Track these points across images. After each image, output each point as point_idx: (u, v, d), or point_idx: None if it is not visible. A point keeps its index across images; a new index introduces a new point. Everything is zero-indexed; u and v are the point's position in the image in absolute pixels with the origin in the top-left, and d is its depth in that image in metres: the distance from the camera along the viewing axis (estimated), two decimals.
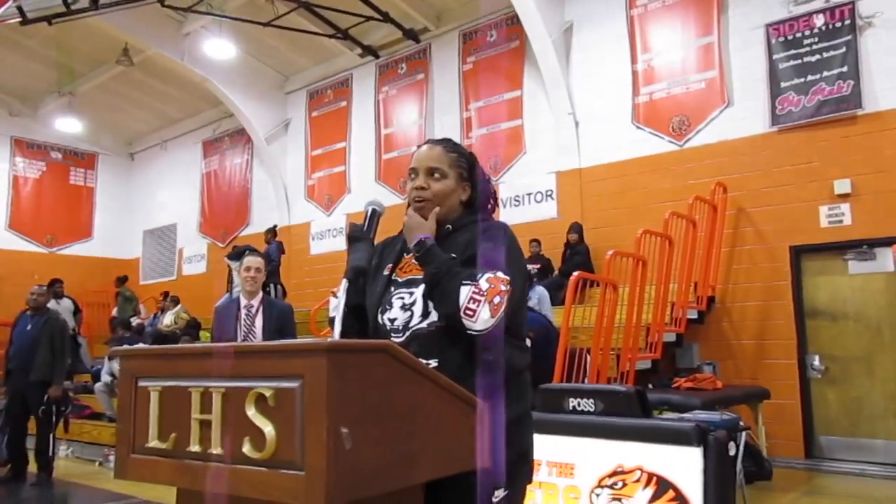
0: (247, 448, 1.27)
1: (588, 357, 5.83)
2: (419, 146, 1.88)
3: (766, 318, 7.29)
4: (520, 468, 1.73)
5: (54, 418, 6.65)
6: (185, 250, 14.64)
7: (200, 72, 11.77)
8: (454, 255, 1.72)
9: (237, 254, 8.72)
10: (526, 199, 9.36)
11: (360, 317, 1.86)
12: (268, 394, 1.26)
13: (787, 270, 7.20)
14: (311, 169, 12.41)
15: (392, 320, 1.75)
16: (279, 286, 10.54)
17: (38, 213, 14.74)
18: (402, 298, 1.75)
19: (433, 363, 1.63)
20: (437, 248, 1.72)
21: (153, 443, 1.42)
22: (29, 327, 6.60)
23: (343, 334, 1.86)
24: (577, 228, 8.38)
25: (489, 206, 1.92)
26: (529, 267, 8.41)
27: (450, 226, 1.82)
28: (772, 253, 7.32)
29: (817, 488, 6.10)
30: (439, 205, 1.80)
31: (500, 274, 1.65)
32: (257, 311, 4.33)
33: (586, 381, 5.64)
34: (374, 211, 1.80)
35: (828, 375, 6.94)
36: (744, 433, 3.90)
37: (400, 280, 1.78)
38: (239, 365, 1.32)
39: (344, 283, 1.72)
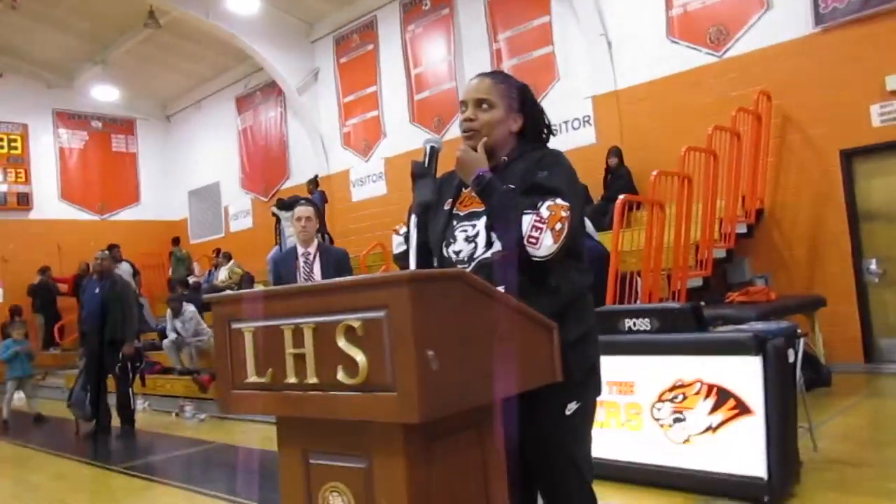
0: (341, 376, 1.38)
1: (638, 279, 5.86)
2: (471, 80, 1.91)
3: (819, 226, 7.18)
4: (589, 382, 1.82)
5: (130, 374, 7.04)
6: (231, 207, 14.95)
7: (226, 27, 11.78)
8: (512, 186, 1.77)
9: (287, 204, 8.92)
10: (563, 128, 9.23)
11: (422, 253, 1.93)
12: (356, 325, 1.35)
13: (838, 175, 7.04)
14: (344, 116, 12.43)
15: (457, 252, 1.82)
16: (326, 235, 10.73)
17: (86, 182, 15.19)
18: (465, 231, 1.82)
19: (500, 290, 1.70)
20: (496, 180, 1.76)
21: (252, 378, 1.54)
22: (97, 290, 6.93)
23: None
24: (616, 152, 8.28)
25: (543, 136, 1.95)
26: None
27: (505, 157, 1.86)
28: (821, 159, 7.15)
29: (878, 390, 6.11)
30: (487, 135, 1.84)
31: (559, 201, 1.69)
32: (314, 257, 4.50)
33: (638, 302, 5.70)
34: (432, 148, 1.85)
35: (885, 278, 6.84)
36: (801, 340, 3.92)
37: (461, 214, 1.85)
38: (326, 301, 1.42)
39: (413, 219, 1.79)
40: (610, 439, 3.88)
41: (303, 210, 4.55)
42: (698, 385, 3.58)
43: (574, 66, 9.19)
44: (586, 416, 1.83)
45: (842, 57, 6.93)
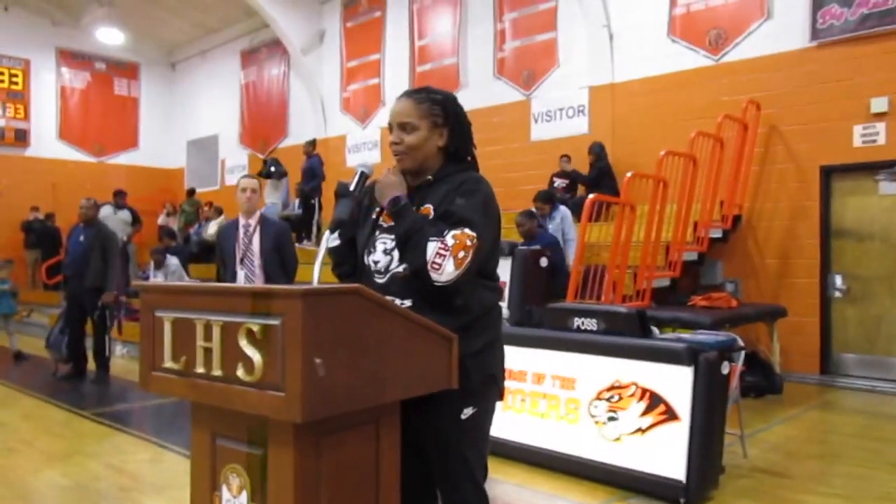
0: (240, 372, 1.53)
1: (606, 274, 6.01)
2: (396, 100, 2.00)
3: (792, 238, 7.32)
4: (487, 389, 1.96)
5: (108, 321, 7.20)
6: (227, 160, 15.03)
7: None
8: (429, 206, 1.90)
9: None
10: (558, 115, 9.32)
11: (345, 255, 2.07)
12: (256, 328, 1.50)
13: (816, 190, 7.16)
14: (346, 81, 12.45)
15: (375, 262, 1.96)
16: (319, 200, 10.80)
17: (85, 123, 15.23)
18: (385, 243, 1.95)
19: (408, 303, 1.84)
20: (409, 207, 1.89)
21: (168, 363, 1.70)
22: (81, 238, 7.07)
23: (337, 266, 2.10)
24: (595, 150, 8.34)
25: (470, 151, 2.04)
26: (557, 182, 8.50)
27: (431, 177, 1.98)
28: (802, 172, 7.26)
29: (826, 402, 6.30)
30: (414, 157, 1.95)
31: (466, 230, 1.81)
32: (254, 230, 4.56)
33: (602, 298, 5.86)
34: (362, 173, 1.99)
35: (849, 295, 7.01)
36: (741, 353, 4.08)
37: (384, 225, 1.97)
38: (234, 303, 1.57)
39: (327, 234, 1.93)
40: (548, 430, 4.08)
41: (247, 182, 4.60)
42: (633, 388, 3.76)
43: (574, 54, 9.23)
44: (482, 421, 1.97)
45: (832, 74, 7.01)
